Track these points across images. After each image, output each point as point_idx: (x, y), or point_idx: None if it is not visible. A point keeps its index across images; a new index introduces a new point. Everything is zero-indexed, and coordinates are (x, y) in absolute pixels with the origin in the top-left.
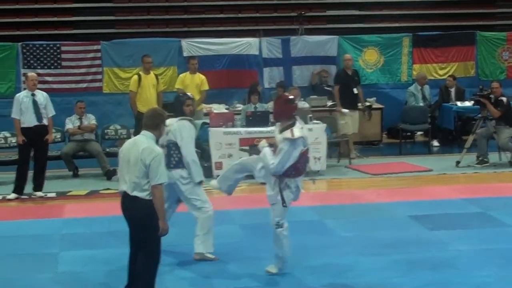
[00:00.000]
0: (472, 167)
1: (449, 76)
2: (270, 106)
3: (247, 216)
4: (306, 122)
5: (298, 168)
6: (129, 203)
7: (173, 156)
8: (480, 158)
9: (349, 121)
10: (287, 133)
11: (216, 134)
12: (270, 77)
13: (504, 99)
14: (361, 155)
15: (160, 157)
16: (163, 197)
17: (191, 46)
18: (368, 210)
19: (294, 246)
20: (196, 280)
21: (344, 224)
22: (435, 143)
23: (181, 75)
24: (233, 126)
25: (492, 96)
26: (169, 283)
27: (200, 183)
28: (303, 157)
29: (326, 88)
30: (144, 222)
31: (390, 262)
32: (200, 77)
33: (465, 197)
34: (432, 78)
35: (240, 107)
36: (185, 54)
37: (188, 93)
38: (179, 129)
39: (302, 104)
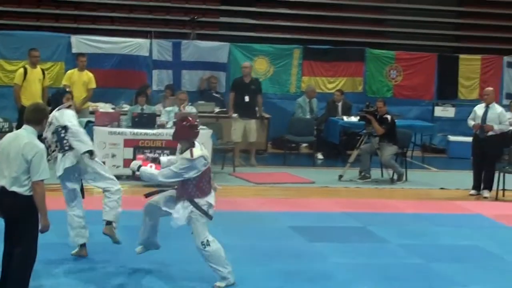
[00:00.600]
0: (354, 182)
1: (337, 90)
2: (157, 108)
3: (128, 217)
4: None
5: (202, 188)
6: (7, 198)
7: (65, 139)
8: (362, 174)
9: (238, 128)
10: (187, 154)
11: (100, 133)
12: (159, 79)
13: (389, 117)
14: (245, 163)
15: (42, 153)
16: (44, 193)
17: (81, 43)
18: (250, 218)
19: (173, 251)
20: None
21: (225, 231)
22: (320, 155)
23: (69, 72)
24: (118, 126)
25: (377, 113)
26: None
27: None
28: (205, 176)
29: (214, 94)
30: (22, 218)
31: (268, 271)
32: (88, 75)
33: (346, 211)
34: (320, 91)
35: (127, 107)
36: (74, 50)
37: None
38: (60, 113)
39: (190, 109)
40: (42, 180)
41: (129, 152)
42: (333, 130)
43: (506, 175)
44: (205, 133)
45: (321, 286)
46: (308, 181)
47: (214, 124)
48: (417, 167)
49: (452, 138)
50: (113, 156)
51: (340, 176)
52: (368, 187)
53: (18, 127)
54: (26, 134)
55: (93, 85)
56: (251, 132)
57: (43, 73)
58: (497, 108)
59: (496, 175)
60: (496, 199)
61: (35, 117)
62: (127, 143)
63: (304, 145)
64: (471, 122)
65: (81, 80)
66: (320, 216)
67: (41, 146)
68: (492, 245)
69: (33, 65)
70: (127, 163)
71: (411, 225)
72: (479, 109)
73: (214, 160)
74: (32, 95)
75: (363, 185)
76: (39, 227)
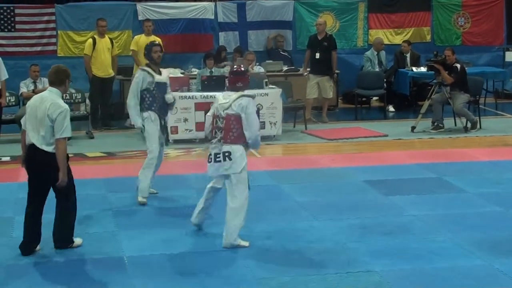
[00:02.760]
0: (427, 133)
1: (404, 41)
2: (225, 70)
3: (203, 180)
4: (262, 87)
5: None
6: (39, 155)
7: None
8: (435, 124)
9: (311, 85)
10: (248, 98)
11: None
12: (226, 41)
13: (458, 65)
14: (316, 120)
15: (65, 113)
16: (65, 150)
17: (147, 10)
18: (323, 175)
19: (251, 211)
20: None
21: (300, 189)
22: (391, 108)
23: (136, 37)
24: (188, 90)
25: (447, 62)
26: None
27: None
28: None
29: (281, 52)
30: (51, 174)
31: (345, 226)
32: (155, 39)
33: (420, 163)
34: (388, 43)
35: (195, 71)
36: (140, 17)
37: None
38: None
39: (258, 69)
40: (64, 138)
41: (200, 116)
42: (403, 82)
43: None
44: (274, 92)
45: (399, 239)
46: (380, 134)
47: (283, 82)
48: (490, 114)
49: None
50: (185, 120)
51: (413, 128)
52: (442, 137)
53: (91, 97)
54: (50, 96)
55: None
56: (324, 89)
57: (112, 42)
58: None
59: None
60: None
61: (58, 78)
62: (198, 106)
63: (375, 98)
64: None
65: None
66: (394, 168)
67: (65, 106)
68: None
69: (101, 35)
70: (199, 126)
71: (487, 173)
72: None
73: (285, 118)
74: (102, 64)
75: (437, 135)
76: (58, 182)
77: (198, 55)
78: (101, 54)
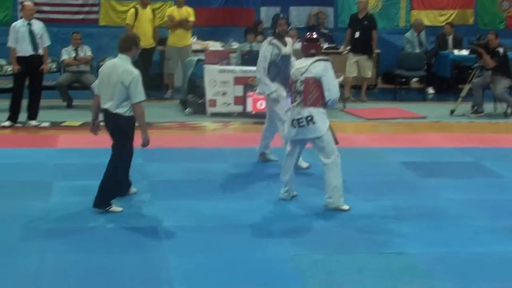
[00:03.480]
0: (466, 117)
1: (447, 23)
2: None
3: (239, 154)
4: None
5: None
6: (112, 118)
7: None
8: (475, 108)
9: (350, 64)
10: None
11: (211, 72)
12: (267, 16)
13: (501, 50)
14: (355, 99)
15: (137, 78)
16: (143, 112)
17: None
18: (361, 154)
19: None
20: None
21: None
22: (430, 90)
23: (169, 9)
24: (228, 64)
25: (489, 46)
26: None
27: None
28: None
29: (323, 30)
30: (125, 133)
31: (380, 207)
32: (187, 10)
33: (459, 146)
34: (431, 24)
35: (236, 45)
36: None
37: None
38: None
39: (299, 46)
40: (140, 102)
41: (239, 90)
42: (444, 64)
43: None
44: (316, 66)
45: (434, 222)
46: (419, 116)
47: None
48: None
49: None
50: (224, 94)
51: (452, 111)
52: (481, 122)
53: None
54: (121, 62)
55: (192, 17)
56: (363, 68)
57: (153, 13)
58: None
59: None
60: None
61: (126, 45)
62: (237, 80)
63: (415, 79)
64: None
65: (181, 16)
66: (432, 151)
67: (136, 72)
68: None
69: (144, 6)
70: (237, 100)
71: None
72: None
73: None
74: (143, 35)
75: (476, 119)
76: (142, 142)
77: (239, 29)
78: (143, 25)
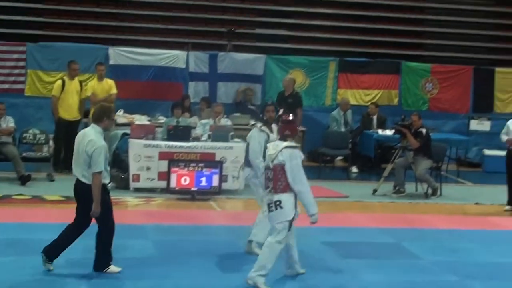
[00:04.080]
0: (388, 196)
1: (372, 103)
2: (193, 121)
3: (162, 231)
4: (227, 140)
5: None
6: (79, 186)
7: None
8: (396, 188)
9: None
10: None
11: (135, 146)
12: (195, 91)
13: (424, 130)
14: None
15: (100, 149)
16: (98, 184)
17: (118, 55)
18: None
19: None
20: None
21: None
22: (354, 169)
23: (90, 83)
24: (153, 138)
25: (412, 127)
26: None
27: None
28: None
29: (250, 106)
30: (88, 201)
31: (301, 287)
32: (108, 82)
33: (379, 227)
34: (356, 104)
35: (162, 119)
36: (111, 62)
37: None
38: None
39: (225, 122)
40: (99, 172)
41: (163, 165)
42: (368, 144)
43: None
44: (240, 146)
45: None
46: (342, 195)
47: None
48: (452, 181)
49: (487, 152)
50: (148, 168)
51: (375, 191)
52: (403, 202)
53: (55, 139)
54: (90, 132)
55: (114, 90)
56: None
57: (81, 85)
58: None
59: None
60: None
61: (97, 116)
62: (162, 155)
63: (339, 158)
64: (504, 137)
65: (103, 90)
66: (353, 231)
67: (101, 143)
68: None
69: (71, 77)
70: (161, 176)
71: (445, 241)
72: None
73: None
74: (69, 107)
75: (398, 199)
76: (91, 211)
77: (166, 103)
78: (70, 97)
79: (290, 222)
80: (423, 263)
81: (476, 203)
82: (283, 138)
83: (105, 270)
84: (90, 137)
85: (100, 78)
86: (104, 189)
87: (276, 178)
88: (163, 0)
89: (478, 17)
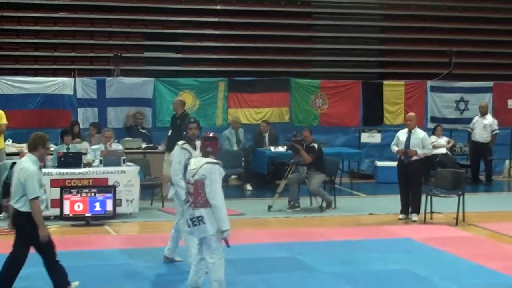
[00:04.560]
0: (283, 212)
1: (263, 121)
2: (83, 147)
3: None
4: (119, 164)
5: None
6: (14, 214)
7: None
8: (291, 203)
9: (165, 162)
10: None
11: None
12: (85, 117)
13: (316, 145)
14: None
15: (32, 175)
16: (37, 209)
17: (3, 84)
18: (179, 252)
19: None
20: None
21: (154, 267)
22: (248, 187)
23: None
24: (44, 166)
25: (304, 142)
26: None
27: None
28: None
29: (141, 130)
30: (22, 228)
31: None
32: None
33: (275, 242)
34: (248, 122)
35: (52, 147)
36: None
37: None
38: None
39: (116, 146)
40: (36, 198)
41: (56, 192)
42: (261, 161)
43: (433, 198)
44: (132, 170)
45: None
46: (237, 212)
47: (142, 160)
48: (346, 193)
49: (379, 163)
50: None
51: (270, 207)
52: (298, 216)
53: None
54: (24, 161)
55: (4, 120)
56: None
57: None
58: (419, 133)
59: (423, 198)
60: (424, 222)
61: (32, 144)
62: (54, 183)
63: (233, 177)
64: (394, 148)
65: None
66: (249, 248)
67: (32, 169)
68: (422, 268)
69: None
70: (54, 203)
71: (340, 252)
72: (402, 134)
73: (142, 196)
74: None
75: (293, 214)
76: (39, 237)
77: (56, 130)
78: None
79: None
80: (319, 275)
81: (371, 214)
82: (205, 154)
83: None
84: (23, 165)
85: None
86: (28, 216)
87: (197, 193)
88: (46, 27)
89: (365, 32)
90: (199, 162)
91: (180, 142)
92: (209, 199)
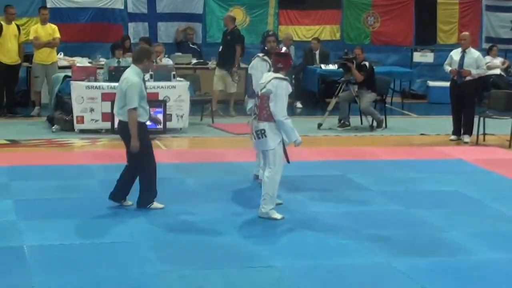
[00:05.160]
0: (333, 130)
1: (314, 38)
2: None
3: (108, 171)
4: (169, 79)
5: None
6: (119, 125)
7: None
8: (341, 121)
9: (216, 78)
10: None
11: (78, 88)
12: (135, 32)
13: (367, 63)
14: (223, 114)
15: (134, 86)
16: (134, 119)
17: None
18: (229, 169)
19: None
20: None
21: (204, 183)
22: (299, 104)
23: (33, 27)
24: (95, 80)
25: (355, 60)
26: None
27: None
28: None
29: (191, 45)
30: (127, 138)
31: (246, 221)
32: (51, 27)
33: (325, 160)
34: (298, 40)
35: (103, 61)
36: (49, 5)
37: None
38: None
39: (166, 61)
40: (134, 108)
41: (107, 106)
42: (311, 79)
43: (486, 119)
44: (182, 85)
45: (301, 236)
46: None
47: (192, 75)
48: (396, 113)
49: (431, 83)
50: (91, 110)
51: (320, 125)
52: (348, 135)
53: None
54: (128, 71)
55: (57, 34)
56: (227, 82)
57: (19, 29)
58: (474, 53)
59: (476, 119)
60: (477, 143)
61: (137, 57)
62: (105, 97)
63: None
64: (447, 68)
65: (46, 33)
66: (299, 165)
67: (135, 80)
68: (473, 190)
69: (8, 21)
70: (105, 117)
71: (391, 172)
72: (456, 54)
73: (192, 111)
74: (8, 51)
75: (343, 133)
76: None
77: (106, 45)
78: (8, 41)
79: (285, 153)
80: (369, 194)
81: (422, 134)
82: (275, 70)
83: (148, 206)
84: (126, 76)
85: (44, 22)
86: (142, 127)
87: (262, 107)
88: None
89: None
90: (268, 77)
91: (260, 54)
92: (273, 114)
